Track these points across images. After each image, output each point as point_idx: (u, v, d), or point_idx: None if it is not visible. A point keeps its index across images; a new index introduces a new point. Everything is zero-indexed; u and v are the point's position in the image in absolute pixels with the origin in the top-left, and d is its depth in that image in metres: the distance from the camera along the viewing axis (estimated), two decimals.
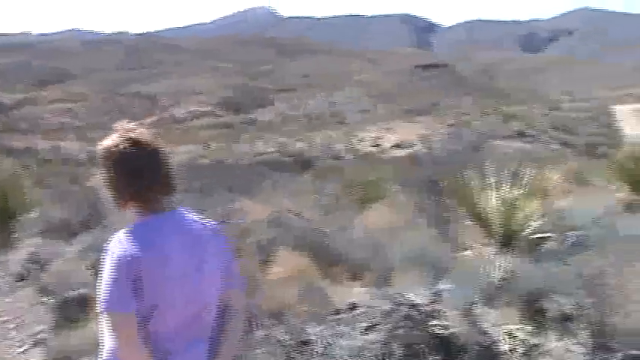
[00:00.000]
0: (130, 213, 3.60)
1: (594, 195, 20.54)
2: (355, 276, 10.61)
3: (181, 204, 3.77)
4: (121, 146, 3.48)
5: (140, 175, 3.50)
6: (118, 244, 3.42)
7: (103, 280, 3.38)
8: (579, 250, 10.05)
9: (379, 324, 7.43)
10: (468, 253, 10.77)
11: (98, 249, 3.64)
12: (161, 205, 3.56)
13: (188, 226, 3.61)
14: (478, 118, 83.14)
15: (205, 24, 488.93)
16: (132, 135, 3.51)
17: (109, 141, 3.53)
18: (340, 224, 13.72)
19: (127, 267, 3.34)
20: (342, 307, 8.22)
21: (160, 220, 3.53)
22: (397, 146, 68.89)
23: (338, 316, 7.97)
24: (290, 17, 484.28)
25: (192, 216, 3.67)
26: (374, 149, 69.36)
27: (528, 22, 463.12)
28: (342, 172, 32.12)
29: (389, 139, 72.15)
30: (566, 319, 7.96)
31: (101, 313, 3.37)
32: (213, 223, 3.77)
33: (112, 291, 3.34)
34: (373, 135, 74.86)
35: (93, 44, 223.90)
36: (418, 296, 7.68)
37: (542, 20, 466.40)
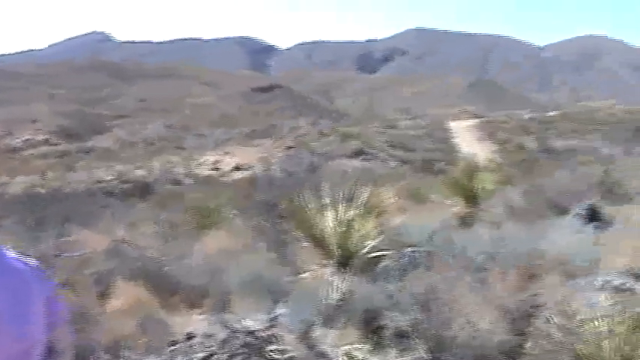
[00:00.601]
0: None
1: (431, 211, 21.10)
2: (194, 304, 10.54)
3: (12, 238, 3.65)
4: None
5: None
6: None
7: None
8: (415, 267, 10.26)
9: (216, 353, 7.38)
10: (306, 275, 10.80)
11: None
12: None
13: (8, 265, 3.49)
14: (317, 138, 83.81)
15: (41, 49, 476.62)
16: None
17: None
18: (179, 252, 13.59)
19: None
20: (179, 337, 8.15)
21: None
22: (237, 169, 68.82)
23: (175, 347, 7.89)
24: (126, 42, 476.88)
25: (12, 254, 3.56)
26: (214, 173, 69.07)
27: (364, 42, 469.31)
28: (182, 198, 31.90)
29: (228, 163, 71.99)
30: (403, 335, 8.09)
31: None
32: (34, 261, 3.67)
33: None
34: (212, 159, 74.54)
35: None
36: (255, 322, 7.67)
37: (377, 41, 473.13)
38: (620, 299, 7.51)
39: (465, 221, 18.27)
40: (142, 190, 56.82)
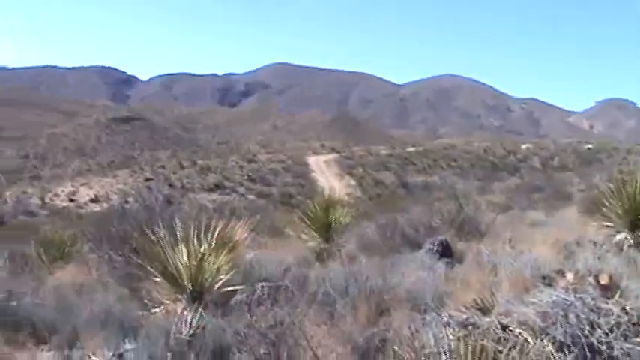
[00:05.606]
0: None
1: (287, 245, 21.19)
2: (43, 340, 10.32)
3: None
4: None
5: None
6: None
7: None
8: (266, 301, 10.28)
9: None
10: (158, 310, 10.68)
11: None
12: None
13: None
14: (175, 171, 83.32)
15: None
16: None
17: None
18: (30, 286, 13.25)
19: None
20: None
21: None
22: (94, 201, 67.88)
23: None
24: None
25: None
26: (70, 204, 67.85)
27: (224, 75, 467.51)
28: (36, 230, 31.17)
29: (85, 194, 70.84)
30: None
31: None
32: None
33: None
34: (69, 190, 73.14)
35: None
36: (103, 358, 7.57)
37: (238, 74, 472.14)
38: (464, 333, 7.69)
39: (320, 256, 18.41)
40: None
